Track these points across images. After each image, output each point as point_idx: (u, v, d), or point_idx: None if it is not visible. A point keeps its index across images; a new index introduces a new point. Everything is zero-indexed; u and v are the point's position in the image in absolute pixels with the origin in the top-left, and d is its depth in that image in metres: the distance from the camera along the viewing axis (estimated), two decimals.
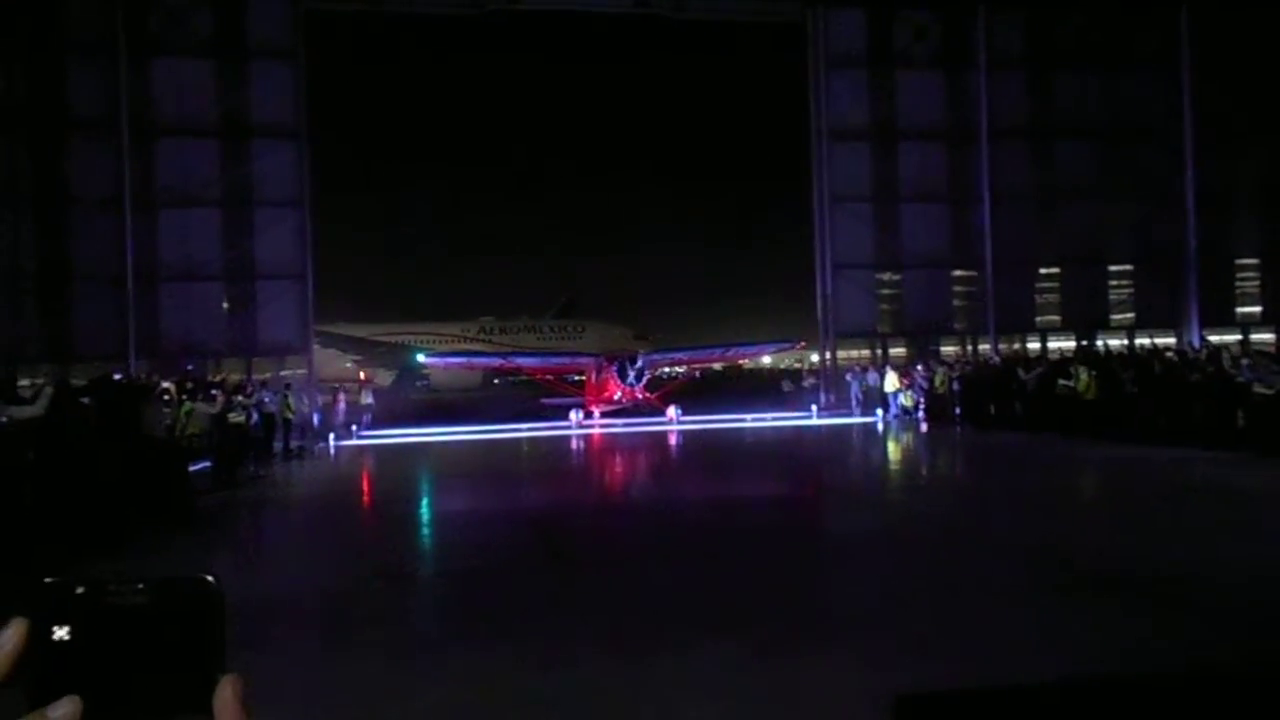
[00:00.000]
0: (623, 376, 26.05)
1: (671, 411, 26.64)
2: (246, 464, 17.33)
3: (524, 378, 36.66)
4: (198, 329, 26.97)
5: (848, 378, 29.13)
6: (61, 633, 0.75)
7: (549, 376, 30.71)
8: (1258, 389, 15.84)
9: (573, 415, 26.57)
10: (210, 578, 0.79)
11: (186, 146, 26.87)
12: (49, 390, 11.21)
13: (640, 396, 26.51)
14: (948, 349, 30.32)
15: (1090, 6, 29.49)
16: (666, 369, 31.89)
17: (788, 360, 46.86)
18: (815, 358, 33.00)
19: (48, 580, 0.77)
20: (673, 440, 23.44)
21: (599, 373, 27.11)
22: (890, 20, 29.63)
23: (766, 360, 40.72)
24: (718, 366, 34.51)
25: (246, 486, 15.96)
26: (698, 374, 32.95)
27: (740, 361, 36.28)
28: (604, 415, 27.23)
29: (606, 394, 26.68)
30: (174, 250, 26.77)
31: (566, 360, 32.18)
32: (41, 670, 0.75)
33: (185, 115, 26.72)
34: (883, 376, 27.15)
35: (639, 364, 26.44)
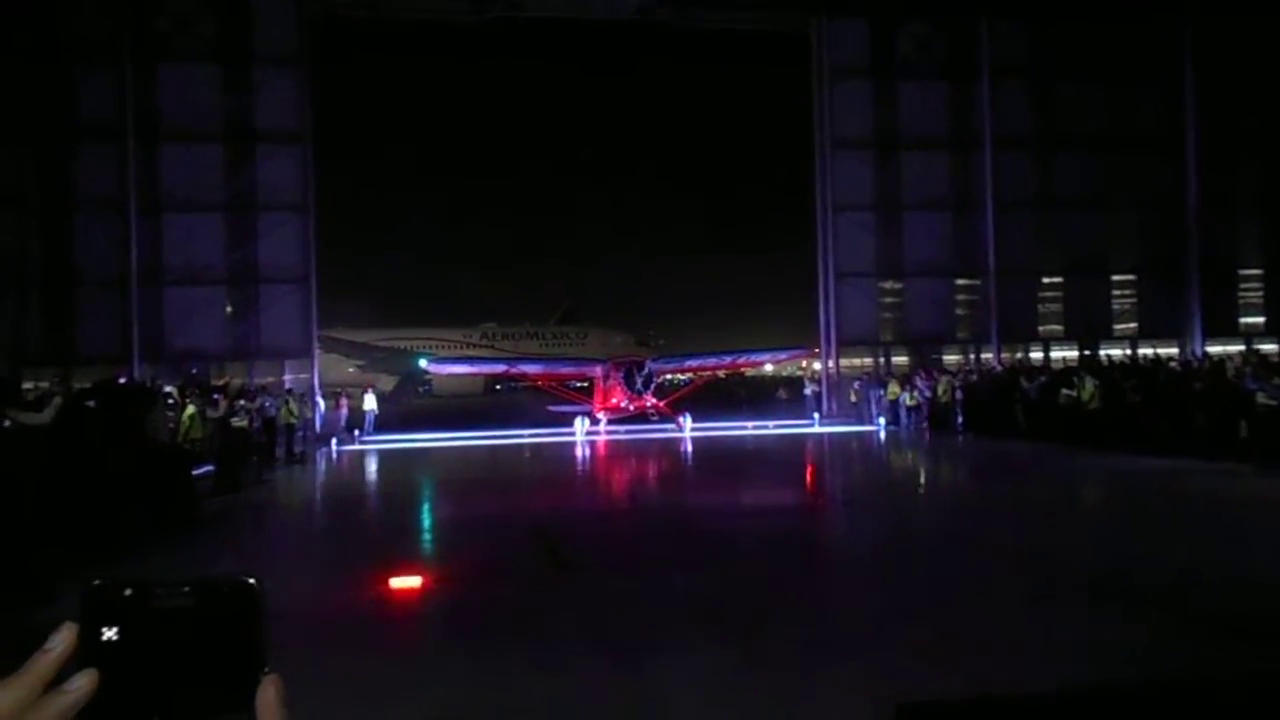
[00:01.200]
0: (630, 383, 25.13)
1: (684, 420, 25.63)
2: (249, 468, 17.34)
3: (527, 384, 36.55)
4: (201, 333, 27.01)
5: (856, 386, 29.14)
6: (110, 634, 0.77)
7: (552, 383, 30.46)
8: (1261, 399, 15.81)
9: (578, 423, 25.73)
10: (252, 580, 0.81)
11: (191, 151, 26.93)
12: (58, 400, 11.22)
13: (650, 404, 25.65)
14: (950, 358, 30.28)
15: (1092, 17, 29.54)
16: (669, 375, 31.30)
17: (790, 368, 46.83)
18: (817, 366, 32.90)
19: (96, 582, 0.79)
20: (679, 448, 23.29)
21: (606, 379, 26.23)
22: (893, 31, 29.69)
23: (769, 368, 40.64)
24: (721, 374, 33.94)
25: (249, 491, 15.97)
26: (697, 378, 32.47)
27: (743, 369, 35.72)
28: (612, 423, 26.46)
29: (615, 401, 25.76)
30: (178, 254, 26.83)
31: (573, 367, 31.69)
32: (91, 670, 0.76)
33: (190, 120, 26.79)
34: (886, 385, 27.13)
35: (646, 370, 25.51)
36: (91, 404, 11.99)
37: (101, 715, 0.75)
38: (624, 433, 26.12)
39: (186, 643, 0.77)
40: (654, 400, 25.83)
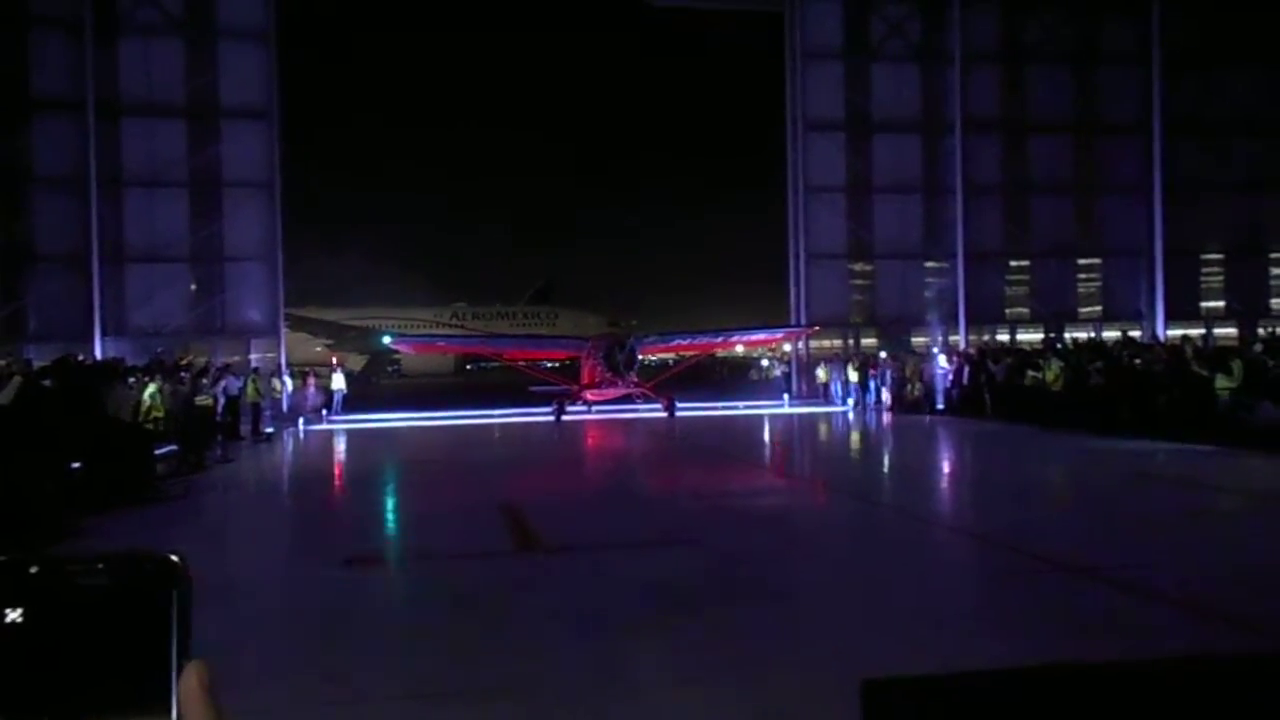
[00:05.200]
0: (611, 363, 23.52)
1: (670, 402, 24.36)
2: (213, 448, 17.12)
3: (498, 363, 36.18)
4: (165, 311, 26.63)
5: (821, 368, 29.24)
6: (14, 615, 0.69)
7: (521, 362, 30.04)
8: (1220, 383, 16.09)
9: (555, 403, 24.48)
10: (176, 556, 0.73)
11: (153, 126, 26.43)
12: (17, 380, 11.02)
13: (633, 384, 24.27)
14: (918, 340, 30.51)
15: (1063, 1, 29.80)
16: (653, 356, 29.90)
17: (760, 349, 46.96)
18: (787, 347, 33.00)
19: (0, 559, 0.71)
20: (650, 429, 23.14)
21: (587, 359, 24.82)
22: (867, 13, 29.73)
23: (739, 349, 40.67)
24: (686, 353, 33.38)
25: (212, 470, 15.77)
26: (671, 361, 32.09)
27: (714, 350, 35.04)
28: (594, 404, 25.20)
29: (596, 381, 24.25)
30: (140, 231, 26.37)
31: (549, 345, 30.75)
32: None
33: (153, 94, 26.26)
34: (848, 367, 27.21)
35: (628, 349, 23.90)
36: (49, 383, 11.76)
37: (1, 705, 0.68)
38: (602, 414, 25.51)
39: (101, 625, 0.69)
40: (636, 381, 24.50)
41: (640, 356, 25.87)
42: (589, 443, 21.76)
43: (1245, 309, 30.66)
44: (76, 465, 10.49)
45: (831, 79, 29.69)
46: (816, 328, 29.14)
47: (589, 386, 24.80)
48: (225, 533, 11.02)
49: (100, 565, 0.71)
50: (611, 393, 24.45)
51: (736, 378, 39.18)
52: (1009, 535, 9.31)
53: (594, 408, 25.54)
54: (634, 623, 6.51)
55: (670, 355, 30.65)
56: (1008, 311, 31.34)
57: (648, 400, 25.04)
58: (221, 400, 18.82)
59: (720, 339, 29.29)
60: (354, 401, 28.40)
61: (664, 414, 24.27)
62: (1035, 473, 14.61)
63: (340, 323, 45.54)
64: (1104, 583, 7.38)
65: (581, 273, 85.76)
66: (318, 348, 42.61)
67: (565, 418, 24.33)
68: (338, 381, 28.01)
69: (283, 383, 26.04)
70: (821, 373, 28.88)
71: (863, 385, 26.16)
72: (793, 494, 13.81)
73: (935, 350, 25.92)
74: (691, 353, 29.86)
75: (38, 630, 0.69)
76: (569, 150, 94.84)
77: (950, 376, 23.85)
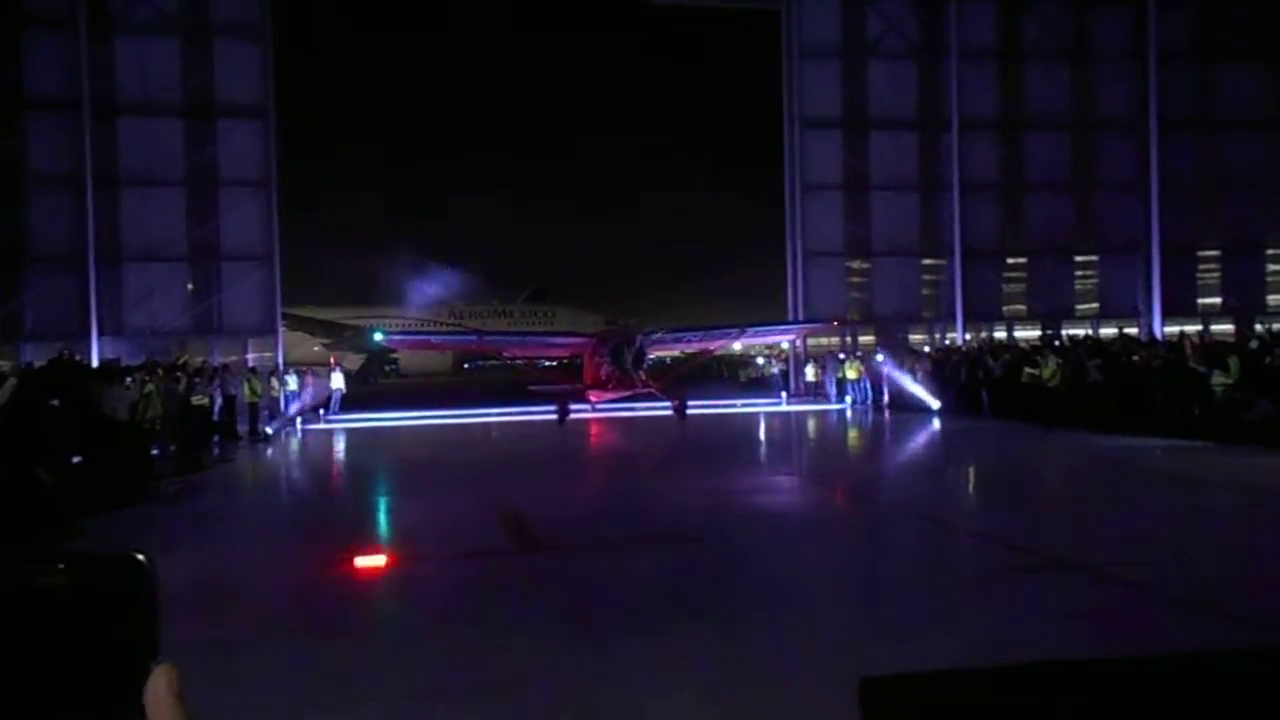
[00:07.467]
0: (618, 361, 22.48)
1: (681, 401, 23.42)
2: (210, 448, 17.09)
3: (496, 362, 35.95)
4: (162, 311, 26.57)
5: (811, 366, 29.24)
6: None
7: (519, 359, 29.70)
8: (1217, 379, 16.10)
9: (558, 403, 23.50)
10: (141, 555, 0.70)
11: (149, 125, 26.38)
12: (13, 381, 11.01)
13: (641, 382, 23.07)
14: (916, 337, 30.54)
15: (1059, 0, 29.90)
16: (664, 354, 28.97)
17: (757, 347, 46.87)
18: (785, 345, 32.96)
19: None
20: (653, 428, 22.95)
21: (593, 356, 23.79)
22: (864, 10, 29.72)
23: (736, 346, 40.56)
24: (689, 351, 32.91)
25: (209, 470, 15.74)
26: (668, 360, 31.81)
27: (712, 349, 34.37)
28: (599, 403, 24.16)
29: (602, 379, 23.21)
30: (137, 230, 26.30)
31: (553, 342, 29.98)
32: None
33: (149, 93, 26.20)
34: (844, 365, 27.19)
35: (637, 346, 22.81)
36: (50, 392, 11.75)
37: None
38: (605, 413, 24.94)
39: (62, 628, 0.66)
40: (644, 379, 23.36)
41: (655, 356, 24.72)
42: (592, 442, 21.69)
43: (1242, 305, 30.68)
44: (78, 459, 10.47)
45: (829, 76, 29.68)
46: (836, 322, 28.42)
47: (594, 385, 23.77)
48: (222, 533, 11.00)
49: (60, 565, 0.68)
50: (617, 392, 23.35)
51: (733, 376, 39.14)
52: (1008, 533, 9.32)
53: (597, 407, 24.62)
54: (635, 623, 6.50)
55: (669, 354, 30.25)
56: (1005, 309, 31.36)
57: (654, 399, 23.94)
58: (219, 400, 18.80)
59: (735, 335, 27.81)
60: (352, 401, 28.35)
61: (671, 414, 23.20)
62: (1033, 470, 14.61)
63: (337, 322, 45.52)
64: (1101, 579, 7.38)
65: (578, 270, 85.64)
66: (315, 347, 42.59)
67: (570, 417, 23.49)
68: (336, 381, 27.94)
69: (282, 382, 25.98)
70: (809, 371, 28.84)
71: (873, 384, 25.97)
72: (796, 493, 13.80)
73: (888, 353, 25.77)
74: (693, 350, 29.51)
75: None
76: (566, 149, 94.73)
77: (920, 376, 23.79)
